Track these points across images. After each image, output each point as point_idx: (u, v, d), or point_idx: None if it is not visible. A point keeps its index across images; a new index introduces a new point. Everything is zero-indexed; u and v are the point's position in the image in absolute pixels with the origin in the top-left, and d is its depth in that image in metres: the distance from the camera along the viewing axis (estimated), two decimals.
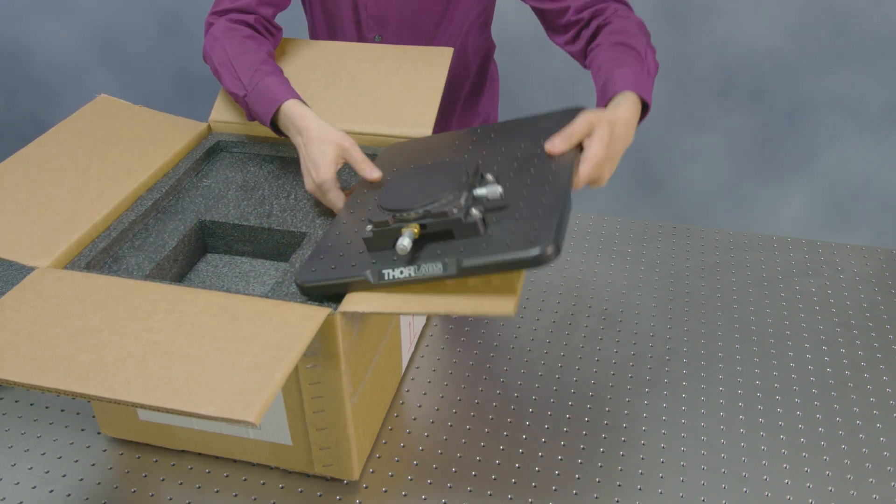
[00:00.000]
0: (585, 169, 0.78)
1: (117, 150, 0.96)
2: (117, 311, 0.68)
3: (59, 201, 0.86)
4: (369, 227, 0.73)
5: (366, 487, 0.81)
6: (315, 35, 1.28)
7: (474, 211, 0.69)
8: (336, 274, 0.72)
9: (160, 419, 0.83)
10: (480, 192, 0.72)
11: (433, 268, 0.67)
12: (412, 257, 0.69)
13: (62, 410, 0.91)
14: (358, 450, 0.79)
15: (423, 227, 0.70)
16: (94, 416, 0.89)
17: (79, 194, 0.88)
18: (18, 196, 0.85)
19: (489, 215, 0.71)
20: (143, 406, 0.58)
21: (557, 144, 0.78)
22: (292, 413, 0.77)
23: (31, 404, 0.92)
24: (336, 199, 0.85)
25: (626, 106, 0.87)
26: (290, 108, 0.91)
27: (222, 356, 0.62)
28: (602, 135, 0.79)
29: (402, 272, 0.69)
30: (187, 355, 0.63)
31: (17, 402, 0.92)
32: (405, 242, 0.68)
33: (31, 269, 0.77)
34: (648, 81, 0.93)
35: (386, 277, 0.69)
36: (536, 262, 0.64)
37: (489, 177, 0.76)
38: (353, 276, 0.70)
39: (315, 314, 0.67)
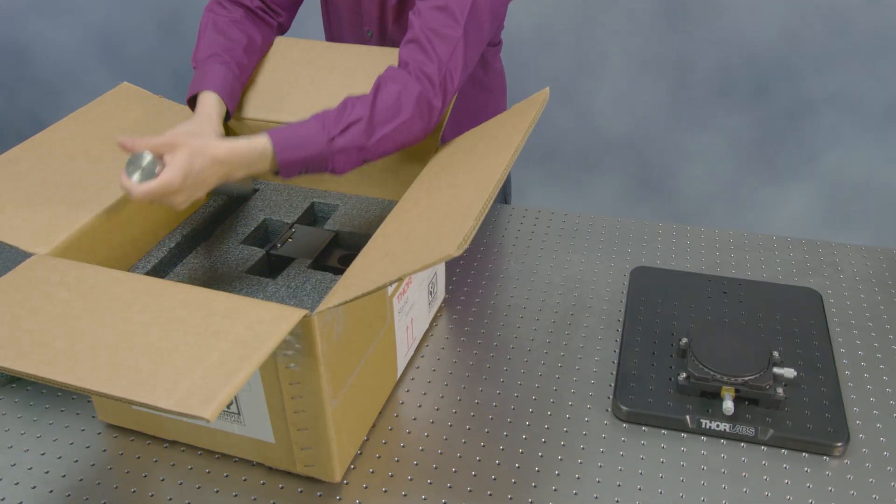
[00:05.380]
0: (153, 187, 0.79)
1: None
2: (100, 301, 0.69)
3: (67, 189, 0.87)
4: (685, 375, 0.89)
5: (366, 487, 0.81)
6: (326, 26, 1.29)
7: (778, 389, 0.86)
8: (655, 409, 0.87)
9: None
10: (778, 371, 0.88)
11: (747, 430, 0.85)
12: (729, 417, 0.85)
13: (62, 410, 0.91)
14: (339, 452, 0.79)
15: (737, 391, 0.86)
16: (94, 417, 0.90)
17: (86, 184, 0.89)
18: (29, 181, 0.87)
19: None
20: (104, 395, 0.59)
21: (127, 142, 0.81)
22: (274, 412, 0.77)
23: (31, 404, 0.92)
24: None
25: (243, 147, 0.85)
26: (203, 98, 0.97)
27: (191, 350, 0.62)
28: (181, 163, 0.80)
29: (718, 426, 0.85)
30: (157, 348, 0.63)
31: (16, 402, 0.92)
32: (729, 405, 0.84)
33: (31, 255, 0.78)
34: (311, 149, 0.88)
35: (703, 426, 0.86)
36: None
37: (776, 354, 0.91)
38: (674, 416, 0.87)
39: (290, 315, 0.67)
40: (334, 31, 1.30)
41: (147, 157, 0.80)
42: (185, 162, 0.80)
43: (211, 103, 0.97)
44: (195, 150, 0.81)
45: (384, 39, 1.23)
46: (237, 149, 0.84)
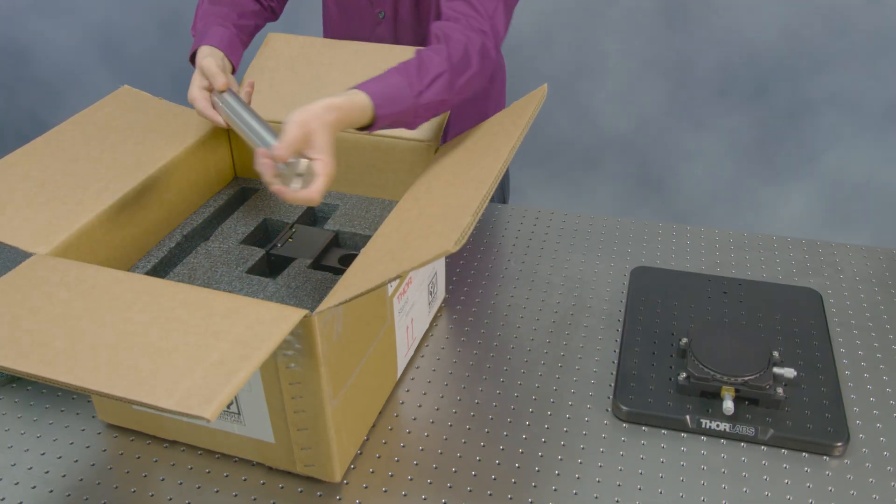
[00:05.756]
0: (325, 184, 0.79)
1: (131, 142, 0.97)
2: (100, 301, 0.69)
3: (67, 190, 0.87)
4: (685, 375, 0.88)
5: (366, 487, 0.81)
6: (326, 13, 1.29)
7: (778, 389, 0.86)
8: (655, 409, 0.87)
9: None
10: (778, 371, 0.88)
11: (747, 430, 0.84)
12: (730, 417, 0.85)
13: (62, 410, 0.91)
14: (339, 452, 0.79)
15: (737, 391, 0.86)
16: (94, 416, 0.90)
17: (86, 184, 0.89)
18: (29, 183, 0.87)
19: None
20: (104, 395, 0.59)
21: (274, 156, 0.79)
22: (274, 412, 0.77)
23: (31, 404, 0.92)
24: (202, 110, 0.97)
25: (347, 106, 0.83)
26: (200, 50, 1.00)
27: (191, 350, 0.62)
28: (325, 146, 0.79)
29: (718, 426, 0.85)
30: (158, 348, 0.63)
31: (16, 402, 0.92)
32: (729, 405, 0.84)
33: (31, 255, 0.78)
34: (402, 102, 0.87)
35: (703, 426, 0.86)
36: None
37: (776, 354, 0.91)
38: (674, 416, 0.86)
39: (290, 315, 0.67)
40: (334, 15, 1.29)
41: (294, 161, 0.79)
42: (325, 143, 0.79)
43: (202, 53, 1.00)
44: (319, 125, 0.79)
45: (396, 21, 1.22)
46: (344, 108, 0.82)
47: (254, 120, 0.90)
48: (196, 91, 0.96)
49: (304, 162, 0.79)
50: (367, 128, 0.87)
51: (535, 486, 0.81)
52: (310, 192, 0.79)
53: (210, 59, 0.98)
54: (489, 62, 0.95)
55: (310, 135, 0.79)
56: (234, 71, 1.04)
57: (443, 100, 0.89)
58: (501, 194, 1.46)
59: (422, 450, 0.85)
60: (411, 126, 0.90)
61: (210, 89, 0.97)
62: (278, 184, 0.80)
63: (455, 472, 0.83)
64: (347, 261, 0.95)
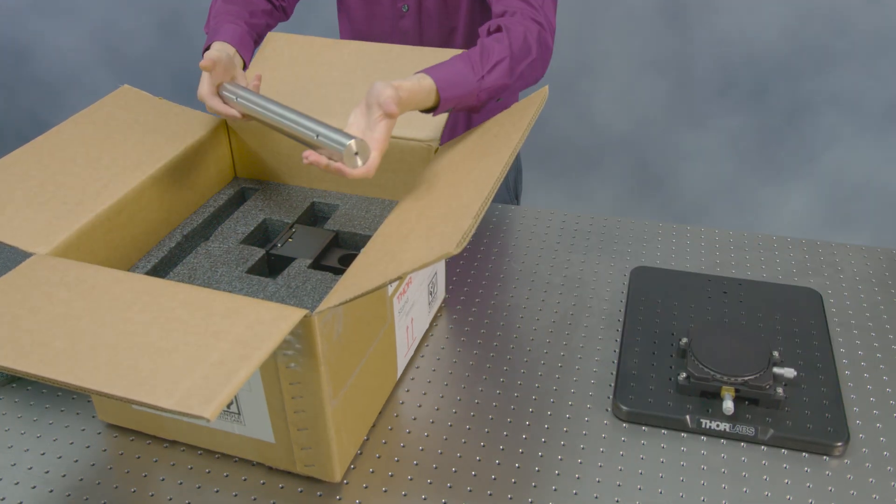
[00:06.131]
0: (378, 158, 0.84)
1: (131, 141, 0.97)
2: (100, 301, 0.69)
3: (67, 190, 0.87)
4: (685, 375, 0.88)
5: (365, 487, 0.81)
6: (344, 8, 1.29)
7: (778, 389, 0.86)
8: (655, 409, 0.87)
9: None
10: (778, 371, 0.88)
11: (747, 430, 0.85)
12: (730, 416, 0.85)
13: (62, 410, 0.91)
14: (339, 452, 0.79)
15: (737, 391, 0.86)
16: (94, 417, 0.90)
17: (86, 184, 0.89)
18: (29, 183, 0.87)
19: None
20: (104, 395, 0.59)
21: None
22: (274, 412, 0.77)
23: (31, 404, 0.92)
24: (215, 107, 0.98)
25: (415, 87, 0.87)
26: (212, 46, 1.01)
27: (191, 350, 0.63)
28: (387, 106, 0.83)
29: (718, 426, 0.85)
30: (158, 348, 0.63)
31: (16, 402, 0.92)
32: (729, 405, 0.84)
33: (31, 255, 0.78)
34: (465, 86, 0.91)
35: (703, 426, 0.86)
36: None
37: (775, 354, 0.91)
38: (674, 416, 0.86)
39: (290, 315, 0.67)
40: (355, 11, 1.28)
41: (349, 143, 0.81)
42: (388, 107, 0.83)
43: (212, 49, 1.00)
44: (386, 98, 0.82)
45: (421, 13, 1.22)
46: (413, 90, 0.86)
47: (285, 109, 0.90)
48: (206, 88, 0.97)
49: (353, 142, 0.81)
50: (431, 110, 0.90)
51: (535, 486, 0.81)
52: (366, 170, 0.83)
53: (211, 50, 0.98)
54: (547, 51, 1.01)
55: (373, 107, 0.83)
56: (245, 68, 1.05)
57: (504, 84, 0.94)
58: (515, 196, 1.46)
59: (422, 450, 0.85)
60: (476, 110, 0.94)
61: (219, 85, 0.97)
62: (336, 164, 0.83)
63: (455, 472, 0.83)
64: (347, 261, 0.95)
